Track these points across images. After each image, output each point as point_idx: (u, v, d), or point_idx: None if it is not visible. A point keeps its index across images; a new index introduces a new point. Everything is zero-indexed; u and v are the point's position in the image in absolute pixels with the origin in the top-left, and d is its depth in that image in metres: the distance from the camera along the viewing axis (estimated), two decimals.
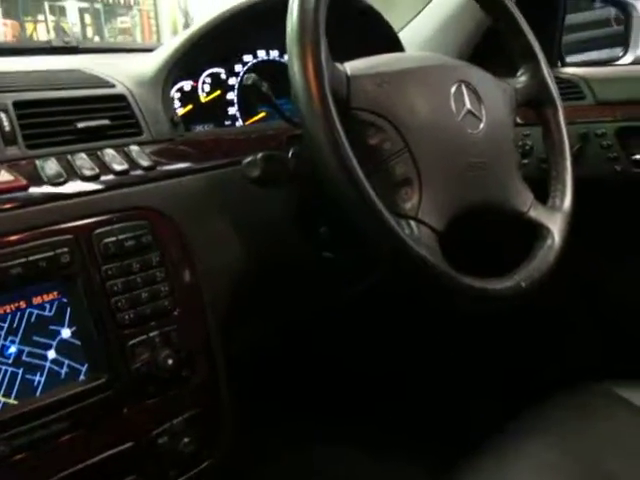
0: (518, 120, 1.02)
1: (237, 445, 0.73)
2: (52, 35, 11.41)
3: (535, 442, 0.76)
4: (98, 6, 12.13)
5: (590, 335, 1.28)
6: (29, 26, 10.91)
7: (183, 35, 0.85)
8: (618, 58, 1.34)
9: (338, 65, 0.64)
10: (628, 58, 1.33)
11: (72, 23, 11.88)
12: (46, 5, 11.34)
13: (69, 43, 1.16)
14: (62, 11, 11.75)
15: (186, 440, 0.66)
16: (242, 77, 0.95)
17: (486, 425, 0.79)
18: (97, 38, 12.15)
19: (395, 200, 0.65)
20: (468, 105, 0.72)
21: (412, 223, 0.64)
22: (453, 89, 0.71)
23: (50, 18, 11.45)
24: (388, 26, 1.03)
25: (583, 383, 0.86)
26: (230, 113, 0.94)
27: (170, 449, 0.65)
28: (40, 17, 11.20)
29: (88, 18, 12.12)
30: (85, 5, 11.92)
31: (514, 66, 0.85)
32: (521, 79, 0.84)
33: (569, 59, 1.29)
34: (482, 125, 0.73)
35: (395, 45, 1.04)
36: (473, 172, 0.71)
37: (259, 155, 0.67)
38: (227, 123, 0.94)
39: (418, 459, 1.12)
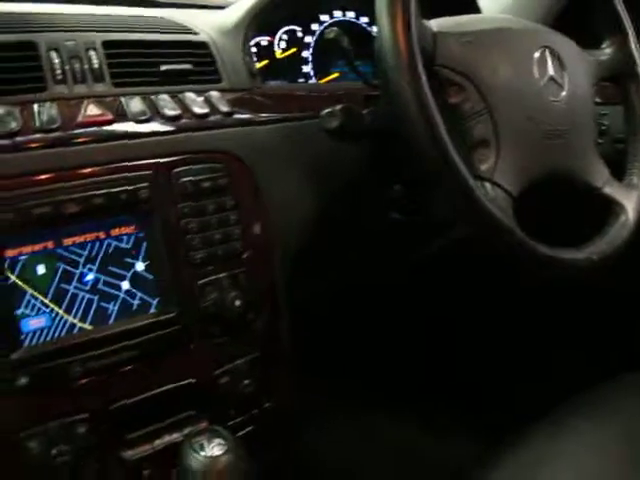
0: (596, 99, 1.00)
1: (294, 392, 0.74)
2: None
3: (588, 422, 0.75)
4: None
5: None
6: None
7: None
8: None
9: (425, 22, 0.64)
10: None
11: None
12: None
13: None
14: None
15: (246, 382, 0.68)
16: (320, 33, 0.95)
17: (541, 403, 0.78)
18: None
19: (471, 161, 0.64)
20: (551, 72, 0.70)
21: (487, 185, 0.63)
22: (537, 54, 0.70)
23: None
24: None
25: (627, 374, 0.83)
26: (304, 71, 0.94)
27: (231, 389, 0.67)
28: None
29: None
30: None
31: (599, 38, 0.83)
32: (606, 51, 0.81)
33: None
34: (564, 93, 0.71)
35: (472, 8, 1.01)
36: (551, 140, 0.69)
37: (338, 106, 0.67)
38: (300, 80, 0.94)
39: (469, 432, 1.12)
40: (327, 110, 0.68)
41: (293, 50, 0.93)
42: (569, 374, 0.96)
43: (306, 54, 0.95)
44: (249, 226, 0.68)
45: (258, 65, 0.89)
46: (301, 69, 0.94)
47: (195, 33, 0.77)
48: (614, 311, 1.21)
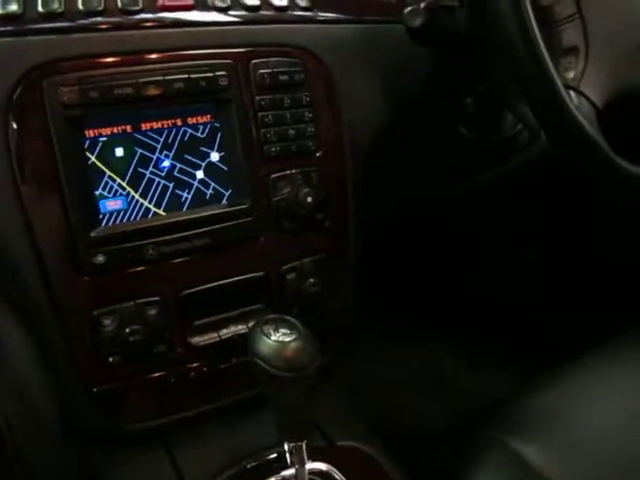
0: None
1: (355, 300, 0.75)
2: None
3: (618, 366, 0.74)
4: None
5: None
6: None
7: None
8: None
9: None
10: None
11: None
12: None
13: None
14: None
15: (312, 280, 0.68)
16: None
17: (577, 342, 0.77)
18: None
19: (558, 67, 0.62)
20: None
21: (572, 93, 0.61)
22: None
23: None
24: None
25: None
26: None
27: (296, 286, 0.68)
28: None
29: None
30: None
31: None
32: None
33: None
34: None
35: None
36: None
37: (423, 4, 0.65)
38: None
39: (505, 367, 1.12)
40: (411, 7, 0.66)
41: None
42: (613, 312, 0.94)
43: None
44: (323, 125, 0.67)
45: None
46: None
47: None
48: None
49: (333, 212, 0.69)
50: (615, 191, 0.65)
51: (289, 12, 0.67)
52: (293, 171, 0.66)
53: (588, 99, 0.62)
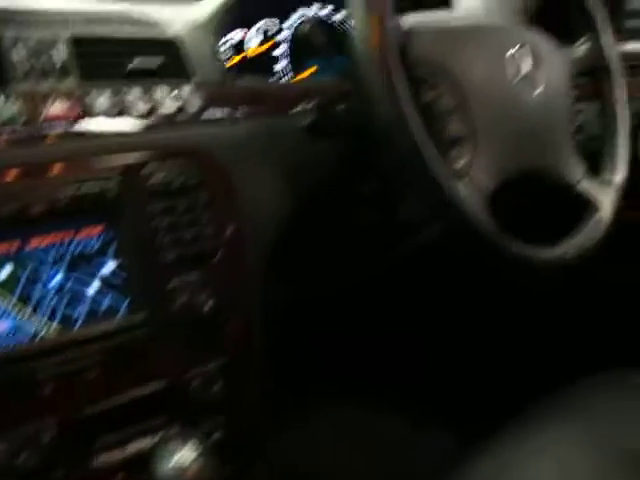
0: None
1: (267, 397, 0.73)
2: None
3: (558, 421, 0.75)
4: None
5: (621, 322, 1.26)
6: None
7: None
8: None
9: (399, 18, 0.63)
10: None
11: None
12: None
13: None
14: None
15: (217, 386, 0.66)
16: (296, 28, 0.93)
17: (511, 404, 0.78)
18: None
19: (447, 158, 0.64)
20: (526, 69, 0.70)
21: (462, 182, 0.63)
22: (512, 51, 0.70)
23: None
24: None
25: (613, 370, 0.84)
26: (280, 66, 0.93)
27: (201, 394, 0.65)
28: None
29: None
30: None
31: (575, 34, 0.83)
32: (581, 48, 0.82)
33: None
34: (539, 90, 0.71)
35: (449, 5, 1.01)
36: (526, 136, 0.70)
37: (313, 103, 0.66)
38: (276, 76, 0.93)
39: (442, 430, 1.12)
40: (301, 107, 0.67)
41: (267, 46, 0.92)
42: (544, 371, 0.96)
43: (282, 49, 0.93)
44: (221, 225, 0.67)
45: (230, 63, 0.88)
46: (273, 67, 0.93)
47: (165, 28, 0.75)
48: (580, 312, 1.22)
49: (237, 313, 0.68)
50: (508, 272, 0.66)
51: (181, 115, 0.67)
52: (191, 276, 0.64)
53: (478, 186, 0.64)
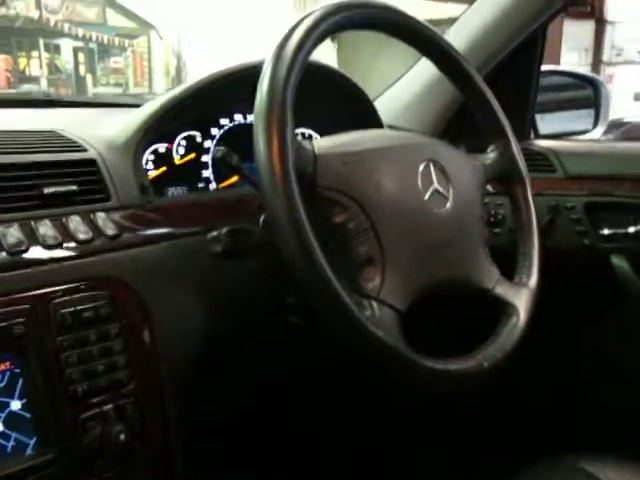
0: (491, 189, 1.05)
1: None
2: (45, 71, 11.58)
3: None
4: (92, 46, 12.32)
5: (556, 409, 1.28)
6: (22, 61, 11.05)
7: (160, 99, 0.86)
8: (588, 130, 1.38)
9: (305, 143, 0.65)
10: (598, 131, 1.38)
11: (65, 61, 12.06)
12: (41, 43, 11.52)
13: (49, 96, 1.18)
14: (57, 49, 11.93)
15: None
16: (216, 143, 0.96)
17: None
18: (89, 76, 12.32)
19: (358, 279, 0.65)
20: (435, 184, 0.73)
21: (374, 304, 0.64)
22: (421, 168, 0.72)
23: (44, 55, 11.63)
24: (364, 95, 1.05)
25: (550, 457, 0.85)
26: (204, 176, 0.95)
27: None
28: (34, 53, 11.34)
29: (82, 57, 12.30)
30: (80, 44, 12.11)
31: (485, 142, 0.87)
32: (490, 155, 0.85)
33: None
34: (449, 204, 0.73)
35: (371, 114, 1.06)
36: (438, 251, 0.71)
37: (223, 230, 0.67)
38: (200, 185, 0.94)
39: None
40: (212, 234, 0.68)
41: (192, 155, 0.94)
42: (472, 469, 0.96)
43: (206, 159, 0.95)
44: (135, 354, 0.66)
45: (155, 173, 0.89)
46: (201, 174, 0.94)
47: (83, 150, 0.76)
48: (511, 401, 1.24)
49: (154, 440, 0.66)
50: (419, 387, 0.67)
51: (95, 242, 0.67)
52: (104, 408, 0.63)
53: (390, 306, 0.65)
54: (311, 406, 1.12)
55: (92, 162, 0.74)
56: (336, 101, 1.03)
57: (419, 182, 0.71)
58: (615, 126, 5.13)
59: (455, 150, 0.83)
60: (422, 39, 0.80)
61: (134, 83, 13.09)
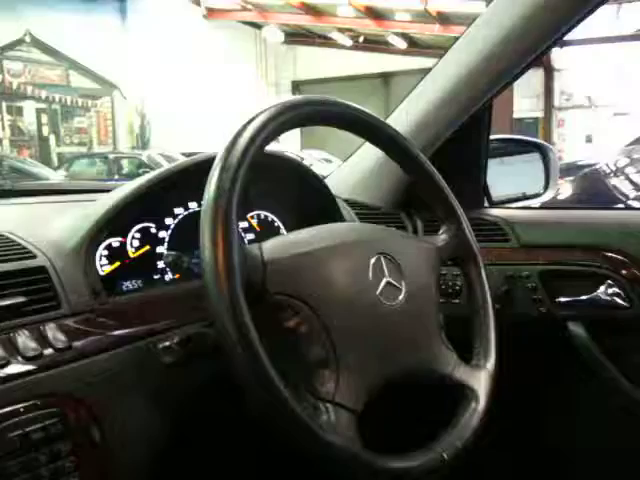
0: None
1: None
2: (7, 133, 11.54)
3: None
4: (56, 107, 12.36)
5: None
6: None
7: (115, 196, 0.86)
8: (539, 195, 1.43)
9: (254, 248, 0.66)
10: (548, 194, 1.42)
11: (28, 122, 12.05)
12: (4, 105, 11.52)
13: (3, 186, 1.17)
14: (19, 111, 11.92)
15: None
16: (174, 227, 0.95)
17: None
18: (52, 136, 12.32)
19: (313, 383, 0.65)
20: (387, 277, 0.74)
21: (329, 407, 0.64)
22: (372, 261, 0.73)
23: (7, 117, 11.61)
24: (317, 178, 1.07)
25: None
26: (160, 267, 0.94)
27: None
28: None
29: (45, 118, 12.31)
30: (43, 106, 12.14)
31: (438, 222, 0.89)
32: (442, 237, 0.87)
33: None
34: (402, 295, 0.74)
35: (325, 196, 1.07)
36: (392, 343, 0.72)
37: (175, 340, 0.67)
38: (156, 277, 0.93)
39: None
40: (164, 344, 0.67)
41: (147, 248, 0.93)
42: None
43: (161, 249, 0.95)
44: (88, 471, 0.64)
45: (109, 269, 0.88)
46: (156, 265, 0.94)
47: (32, 256, 0.75)
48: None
49: None
50: None
51: (44, 357, 0.65)
52: None
53: (345, 408, 0.65)
54: None
55: (42, 269, 0.73)
56: (292, 184, 1.05)
57: (370, 276, 0.72)
58: (572, 169, 5.30)
59: (407, 238, 0.84)
60: (369, 129, 0.83)
61: (98, 142, 13.16)
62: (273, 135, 0.70)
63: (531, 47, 1.05)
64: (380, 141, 0.85)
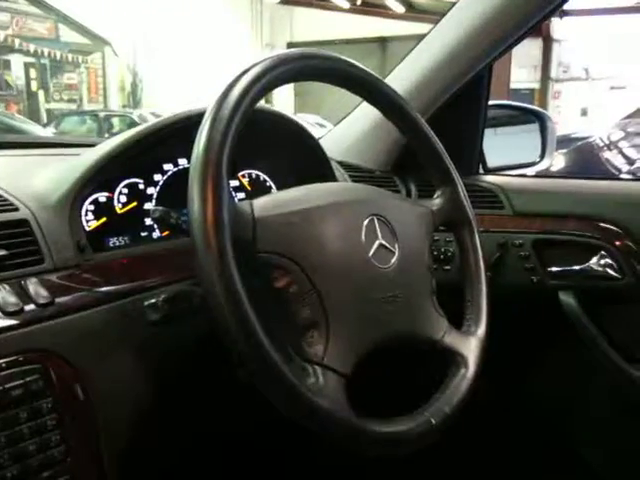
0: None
1: None
2: None
3: None
4: (45, 62, 12.09)
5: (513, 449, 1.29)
6: None
7: (99, 149, 0.83)
8: (536, 163, 1.41)
9: (244, 206, 0.64)
10: (544, 163, 1.40)
11: (16, 77, 11.79)
12: None
13: None
14: (7, 65, 11.66)
15: None
16: (163, 185, 0.93)
17: None
18: (41, 92, 12.08)
19: (301, 344, 0.64)
20: (380, 239, 0.72)
21: (318, 369, 0.63)
22: (365, 222, 0.71)
23: None
24: (312, 138, 1.04)
25: None
26: (147, 224, 0.92)
27: None
28: None
29: (33, 73, 12.05)
30: (31, 60, 11.87)
31: (432, 186, 0.87)
32: (437, 201, 0.85)
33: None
34: (394, 258, 0.73)
35: (319, 156, 1.05)
36: (384, 307, 0.70)
37: (161, 297, 0.65)
38: (144, 234, 0.91)
39: None
40: (149, 301, 0.66)
41: (134, 204, 0.91)
42: None
43: (149, 206, 0.92)
44: (71, 428, 0.63)
45: (95, 224, 0.86)
46: (144, 222, 0.91)
47: (15, 209, 0.72)
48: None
49: None
50: (367, 452, 0.65)
51: (25, 312, 0.64)
52: None
53: (334, 370, 0.64)
54: (263, 462, 1.09)
55: (24, 222, 0.71)
56: (285, 143, 1.02)
57: (363, 238, 0.70)
58: (565, 141, 5.28)
59: (401, 200, 0.82)
60: (365, 86, 0.80)
61: (88, 99, 12.92)
62: (267, 88, 0.67)
63: (531, 12, 1.02)
64: (376, 99, 0.82)
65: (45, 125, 9.98)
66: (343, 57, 0.76)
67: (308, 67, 0.72)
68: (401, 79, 1.12)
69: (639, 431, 1.13)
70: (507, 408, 1.26)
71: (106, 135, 9.11)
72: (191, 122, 0.84)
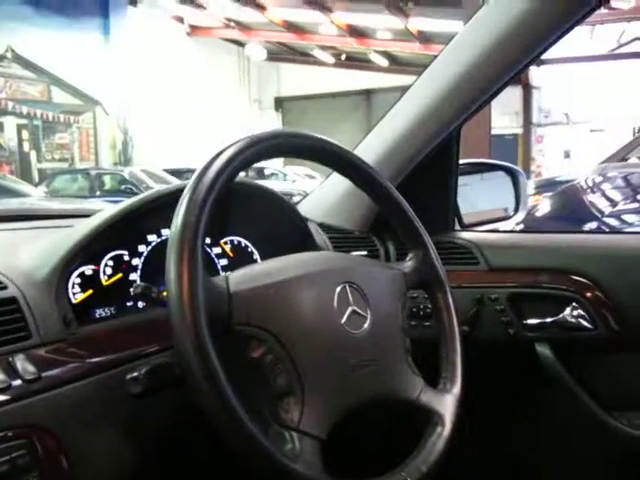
0: None
1: None
2: None
3: None
4: (37, 123, 12.29)
5: None
6: None
7: (89, 224, 0.87)
8: (510, 217, 1.46)
9: (220, 280, 0.67)
10: (519, 217, 1.46)
11: (9, 138, 11.95)
12: None
13: None
14: (0, 127, 11.83)
15: None
16: (147, 256, 0.96)
17: None
18: (33, 152, 12.23)
19: (278, 411, 0.66)
20: (352, 305, 0.75)
21: (294, 435, 0.65)
22: (338, 290, 0.75)
23: None
24: (291, 208, 1.09)
25: None
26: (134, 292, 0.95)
27: None
28: None
29: (26, 134, 12.23)
30: (24, 122, 12.06)
31: (405, 248, 0.91)
32: (409, 264, 0.88)
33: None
34: (367, 323, 0.76)
35: (298, 224, 1.09)
36: (358, 371, 0.73)
37: (142, 370, 0.68)
38: (129, 304, 0.94)
39: None
40: (132, 375, 0.68)
41: (119, 275, 0.94)
42: None
43: (134, 277, 0.96)
44: None
45: (81, 297, 0.89)
46: (129, 293, 0.94)
47: (3, 287, 0.76)
48: None
49: None
50: None
51: (12, 388, 0.66)
52: None
53: (311, 435, 0.66)
54: None
55: (13, 300, 0.74)
56: (265, 213, 1.06)
57: (335, 306, 0.73)
58: (550, 185, 5.37)
59: (374, 265, 0.86)
60: (334, 159, 0.85)
61: (80, 158, 13.08)
62: (241, 168, 0.72)
63: (506, 68, 1.05)
64: (346, 171, 0.87)
65: (37, 184, 10.06)
66: (311, 133, 0.81)
67: (279, 145, 0.77)
68: (372, 147, 1.18)
69: None
70: (487, 463, 1.27)
71: (98, 193, 9.20)
72: (173, 197, 0.88)
